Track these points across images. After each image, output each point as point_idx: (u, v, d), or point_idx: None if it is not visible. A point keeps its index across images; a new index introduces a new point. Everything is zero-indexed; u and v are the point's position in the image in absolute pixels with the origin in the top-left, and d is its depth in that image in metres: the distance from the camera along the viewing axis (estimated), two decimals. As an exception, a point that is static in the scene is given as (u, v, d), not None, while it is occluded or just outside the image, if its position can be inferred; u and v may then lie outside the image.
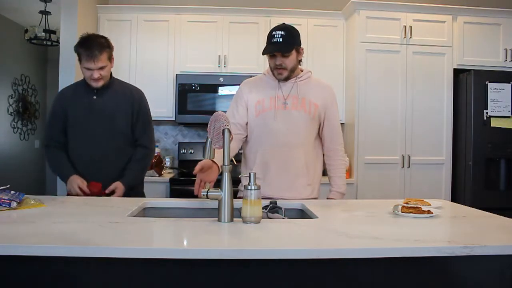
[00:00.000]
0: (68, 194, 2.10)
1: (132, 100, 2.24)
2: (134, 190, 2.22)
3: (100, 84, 2.13)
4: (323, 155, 2.15)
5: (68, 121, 2.16)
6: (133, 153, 2.25)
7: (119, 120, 2.19)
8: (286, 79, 2.02)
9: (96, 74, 2.08)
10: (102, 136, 2.15)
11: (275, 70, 1.99)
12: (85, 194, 2.04)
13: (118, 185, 2.13)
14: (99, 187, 2.07)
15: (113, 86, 2.22)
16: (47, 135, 2.24)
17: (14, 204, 1.60)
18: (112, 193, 2.10)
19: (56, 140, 2.19)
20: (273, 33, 1.93)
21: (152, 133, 2.33)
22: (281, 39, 1.92)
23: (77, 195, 2.04)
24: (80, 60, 2.09)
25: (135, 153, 2.25)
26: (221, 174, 1.54)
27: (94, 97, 2.17)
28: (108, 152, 2.16)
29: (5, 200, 1.59)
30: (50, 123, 2.23)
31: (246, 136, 2.11)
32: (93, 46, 2.05)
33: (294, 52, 1.97)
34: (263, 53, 1.96)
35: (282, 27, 1.96)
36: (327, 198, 2.11)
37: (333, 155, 2.13)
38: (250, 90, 2.08)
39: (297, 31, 1.99)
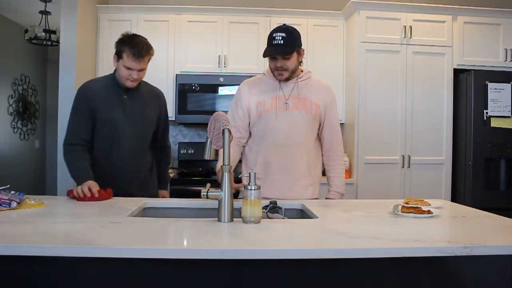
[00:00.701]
0: (69, 193, 1.98)
1: (159, 103, 2.26)
2: (149, 191, 2.23)
3: (134, 85, 2.08)
4: (322, 155, 2.15)
5: (98, 118, 2.07)
6: (157, 153, 2.33)
7: (148, 123, 2.18)
8: (287, 79, 2.02)
9: (135, 75, 2.02)
10: (132, 137, 2.12)
11: (276, 71, 1.99)
12: (88, 197, 1.88)
13: (164, 194, 2.37)
14: (108, 195, 1.93)
15: (141, 87, 2.17)
16: (72, 133, 2.08)
17: (14, 204, 1.60)
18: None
19: (83, 138, 2.07)
20: (274, 34, 1.92)
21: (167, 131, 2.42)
22: (282, 41, 1.90)
23: (80, 196, 1.88)
24: (120, 57, 2.02)
25: (161, 154, 2.36)
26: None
27: (125, 96, 2.11)
28: (135, 152, 2.15)
29: (5, 200, 1.59)
30: (75, 119, 2.09)
31: (247, 140, 2.11)
32: (139, 45, 2.00)
33: (295, 54, 1.96)
34: (264, 56, 1.95)
35: (283, 28, 1.95)
36: (326, 198, 2.11)
37: (332, 155, 2.13)
38: (250, 91, 2.08)
39: (298, 32, 1.98)
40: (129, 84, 2.07)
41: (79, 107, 2.09)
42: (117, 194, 1.98)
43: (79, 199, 1.87)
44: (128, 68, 2.01)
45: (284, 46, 1.91)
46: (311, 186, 2.06)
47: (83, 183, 1.91)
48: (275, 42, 1.91)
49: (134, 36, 2.05)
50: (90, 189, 1.87)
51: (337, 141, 2.13)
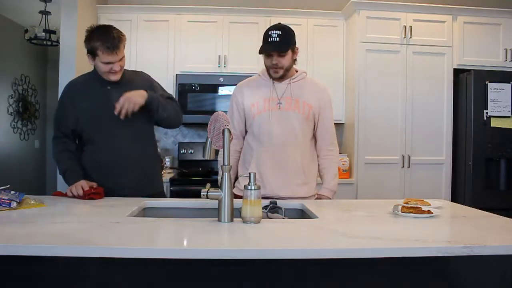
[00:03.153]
0: (55, 194, 2.02)
1: (144, 81, 2.11)
2: (151, 188, 2.11)
3: (118, 76, 2.00)
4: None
5: (80, 114, 2.01)
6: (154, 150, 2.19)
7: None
8: (281, 77, 2.03)
9: (117, 67, 1.95)
10: (122, 125, 1.98)
11: (271, 69, 2.01)
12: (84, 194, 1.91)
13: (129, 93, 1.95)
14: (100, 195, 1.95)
15: (124, 74, 2.07)
16: (55, 128, 2.09)
17: (14, 204, 1.60)
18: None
19: (68, 133, 2.06)
20: (270, 32, 1.95)
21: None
22: (277, 39, 1.94)
23: (76, 196, 1.92)
24: (94, 55, 1.93)
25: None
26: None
27: (108, 87, 2.02)
28: (128, 143, 2.02)
29: (5, 200, 1.59)
30: (57, 117, 2.09)
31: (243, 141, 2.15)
32: (111, 37, 1.91)
33: (289, 52, 1.99)
34: (260, 53, 1.98)
35: (279, 26, 1.98)
36: (317, 194, 2.12)
37: (326, 155, 2.14)
38: (244, 94, 2.11)
39: (293, 31, 2.01)
40: (113, 77, 1.99)
41: (63, 103, 2.07)
42: (114, 188, 1.98)
43: (81, 197, 1.90)
44: (108, 63, 1.94)
45: (279, 44, 1.94)
46: (305, 185, 2.07)
47: (74, 183, 1.93)
48: (271, 39, 1.94)
49: (101, 29, 1.96)
50: (82, 188, 1.90)
51: (330, 142, 2.14)
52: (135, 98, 1.93)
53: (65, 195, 1.97)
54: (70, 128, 2.06)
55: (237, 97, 2.12)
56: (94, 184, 1.96)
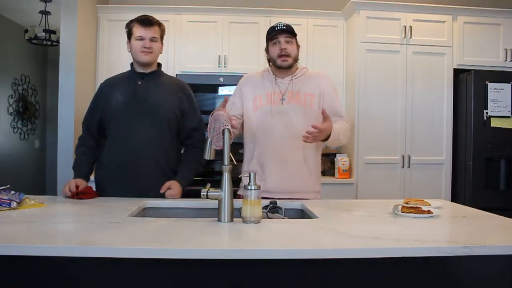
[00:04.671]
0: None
1: (180, 93, 2.12)
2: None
3: (148, 57, 2.02)
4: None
5: (107, 104, 2.05)
6: (182, 152, 2.16)
7: (163, 108, 2.04)
8: (290, 67, 2.05)
9: (148, 43, 1.99)
10: (144, 124, 2.01)
11: (280, 58, 2.02)
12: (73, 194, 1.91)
13: (173, 183, 1.99)
14: (89, 195, 1.95)
15: (161, 75, 2.13)
16: (83, 121, 2.15)
17: (14, 204, 1.60)
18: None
19: (89, 128, 2.12)
20: (275, 24, 2.05)
21: (204, 132, 2.14)
22: (284, 27, 2.02)
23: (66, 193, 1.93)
24: (130, 34, 2.03)
25: (190, 152, 2.13)
26: (221, 174, 1.54)
27: (139, 82, 2.06)
28: (147, 141, 2.00)
29: (5, 200, 1.59)
30: (88, 110, 2.15)
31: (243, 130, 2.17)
32: (147, 16, 2.06)
33: (295, 42, 2.04)
34: (268, 39, 2.03)
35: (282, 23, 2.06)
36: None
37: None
38: (247, 86, 2.14)
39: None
40: (144, 58, 2.02)
41: (94, 100, 2.15)
42: (132, 189, 1.98)
43: (70, 196, 1.92)
44: (140, 39, 2.00)
45: (287, 29, 2.02)
46: (310, 177, 2.08)
47: (72, 180, 1.98)
48: (278, 28, 2.02)
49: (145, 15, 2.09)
50: (70, 190, 1.92)
51: (340, 117, 2.10)
52: (179, 196, 1.99)
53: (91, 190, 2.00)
54: (96, 119, 2.11)
55: (242, 87, 2.16)
56: (83, 184, 1.97)
